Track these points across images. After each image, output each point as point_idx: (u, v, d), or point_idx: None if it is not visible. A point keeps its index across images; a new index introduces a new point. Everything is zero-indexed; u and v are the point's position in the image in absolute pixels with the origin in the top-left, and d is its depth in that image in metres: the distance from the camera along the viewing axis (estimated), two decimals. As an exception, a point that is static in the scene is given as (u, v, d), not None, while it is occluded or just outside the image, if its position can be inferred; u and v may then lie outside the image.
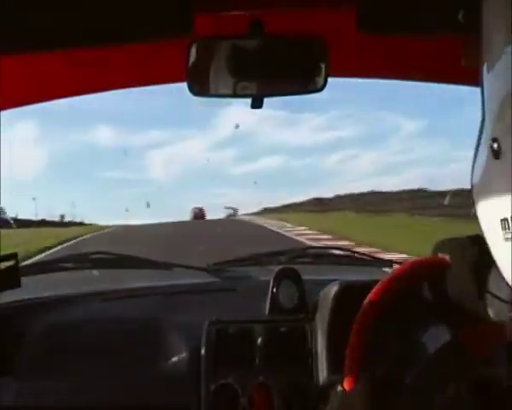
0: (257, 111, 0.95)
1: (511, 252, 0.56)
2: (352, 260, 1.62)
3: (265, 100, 0.93)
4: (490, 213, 0.60)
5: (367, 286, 0.86)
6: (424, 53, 1.05)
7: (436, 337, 0.89)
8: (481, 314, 0.71)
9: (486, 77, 0.60)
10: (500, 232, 0.58)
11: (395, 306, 0.88)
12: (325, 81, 0.91)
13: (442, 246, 0.81)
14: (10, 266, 1.02)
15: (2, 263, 1.02)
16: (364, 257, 1.60)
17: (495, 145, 0.57)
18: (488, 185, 0.60)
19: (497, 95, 0.57)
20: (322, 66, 0.90)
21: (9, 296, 1.23)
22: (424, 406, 0.71)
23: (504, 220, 0.56)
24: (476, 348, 0.72)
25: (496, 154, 0.57)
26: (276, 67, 0.91)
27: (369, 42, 0.97)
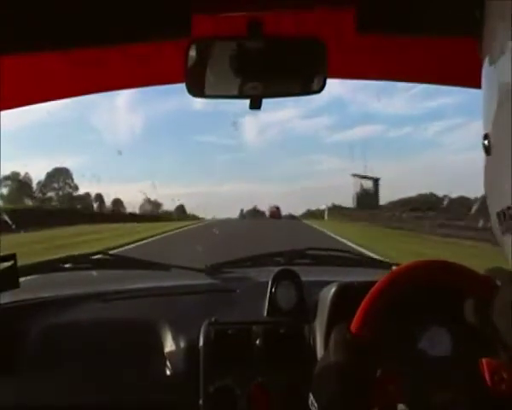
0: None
1: (511, 245, 0.56)
2: (351, 261, 1.61)
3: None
4: (490, 207, 0.60)
5: (366, 287, 0.85)
6: (424, 54, 1.04)
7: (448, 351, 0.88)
8: None
9: (484, 76, 0.60)
10: (497, 226, 0.58)
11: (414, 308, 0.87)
12: (324, 82, 0.91)
13: (496, 271, 0.77)
14: (8, 267, 1.02)
15: (0, 264, 1.02)
16: (364, 258, 1.60)
17: (485, 142, 0.58)
18: (485, 180, 0.61)
19: (491, 91, 0.57)
20: (321, 67, 0.90)
21: (9, 296, 1.23)
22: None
23: (500, 214, 0.56)
24: (492, 381, 0.70)
25: (487, 150, 0.58)
26: (275, 68, 0.91)
27: (368, 43, 0.97)
